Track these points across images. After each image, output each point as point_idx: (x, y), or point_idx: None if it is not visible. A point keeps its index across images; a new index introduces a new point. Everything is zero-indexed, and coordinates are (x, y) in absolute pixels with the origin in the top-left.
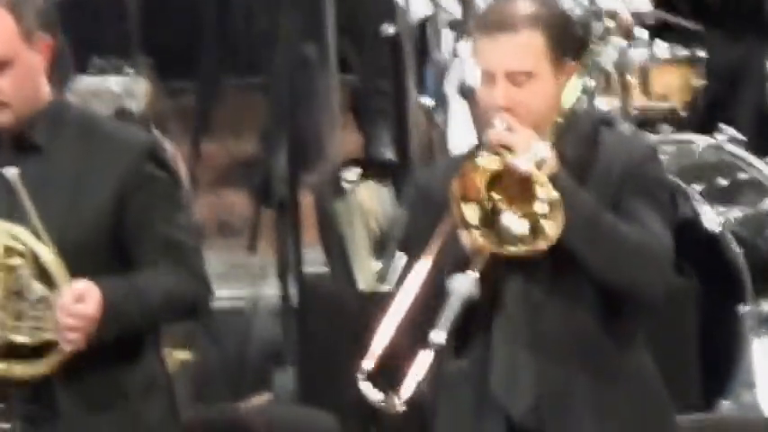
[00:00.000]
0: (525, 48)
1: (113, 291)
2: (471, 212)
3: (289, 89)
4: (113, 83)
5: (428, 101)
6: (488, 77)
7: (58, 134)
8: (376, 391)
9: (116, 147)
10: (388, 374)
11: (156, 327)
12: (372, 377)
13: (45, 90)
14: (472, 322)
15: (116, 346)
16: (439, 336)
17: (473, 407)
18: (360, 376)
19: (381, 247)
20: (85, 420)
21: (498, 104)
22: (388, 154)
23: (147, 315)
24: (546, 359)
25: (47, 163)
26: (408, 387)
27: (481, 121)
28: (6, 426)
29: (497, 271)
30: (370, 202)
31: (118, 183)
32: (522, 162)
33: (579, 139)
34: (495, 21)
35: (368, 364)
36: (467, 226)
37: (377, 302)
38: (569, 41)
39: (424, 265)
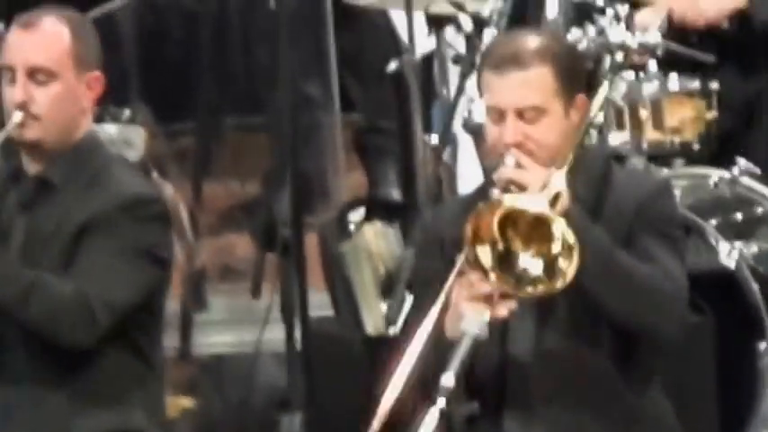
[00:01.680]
0: (535, 83)
1: None
2: (485, 254)
3: (291, 128)
4: (110, 130)
5: (435, 139)
6: (497, 114)
7: (74, 176)
8: None
9: (104, 195)
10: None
11: (18, 317)
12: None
13: (83, 127)
14: (483, 365)
15: (87, 390)
16: (448, 379)
17: None
18: None
19: (388, 290)
20: None
21: (508, 141)
22: (395, 194)
23: (3, 287)
24: (559, 404)
25: (58, 202)
26: None
27: (488, 159)
28: None
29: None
30: (377, 243)
31: (83, 222)
32: (536, 202)
33: (590, 177)
34: (503, 57)
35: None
36: (481, 269)
37: (384, 346)
38: (579, 76)
39: (433, 313)
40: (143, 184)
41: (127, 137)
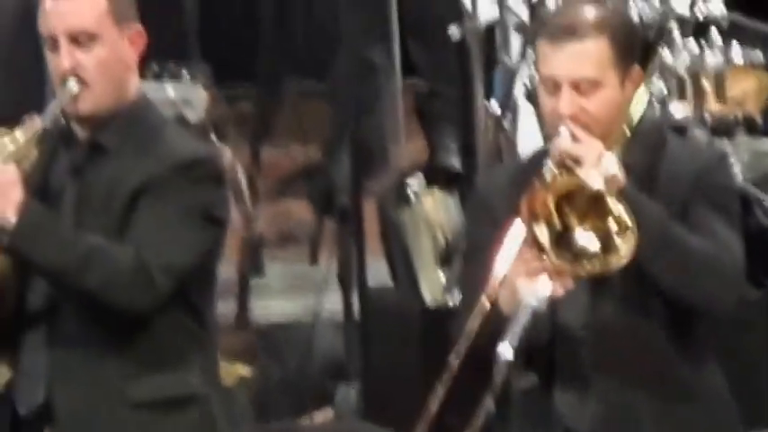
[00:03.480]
0: (591, 55)
1: (40, 210)
2: (542, 232)
3: (352, 94)
4: (170, 90)
5: (495, 106)
6: (552, 86)
7: (127, 138)
8: None
9: (157, 158)
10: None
11: (76, 285)
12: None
13: (132, 86)
14: (536, 337)
15: (143, 353)
16: (506, 350)
17: (538, 423)
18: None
19: (447, 259)
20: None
21: (563, 113)
22: (455, 161)
23: (62, 254)
24: (613, 377)
25: (111, 166)
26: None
27: (549, 127)
28: None
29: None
30: (436, 211)
31: (136, 185)
32: (593, 179)
33: (645, 148)
34: (559, 28)
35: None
36: (540, 248)
37: (442, 317)
38: (636, 48)
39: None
40: (196, 145)
41: (187, 97)
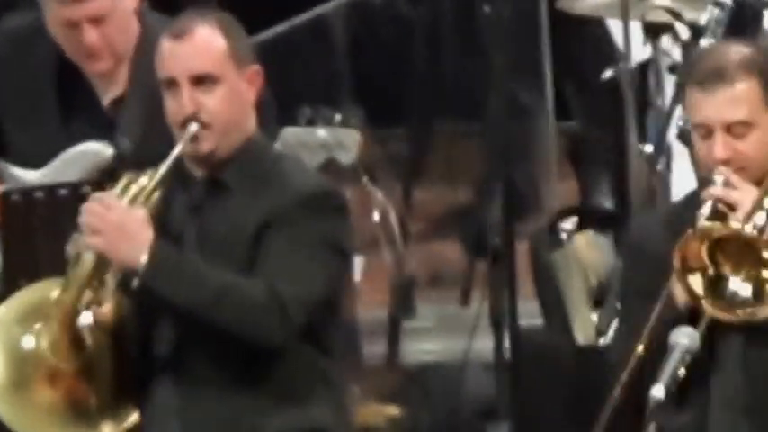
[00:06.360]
0: (742, 98)
1: (169, 248)
2: (696, 282)
3: (504, 135)
4: (322, 133)
5: (649, 148)
6: (705, 131)
7: (247, 175)
8: None
9: (280, 193)
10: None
11: (211, 322)
12: None
13: (251, 123)
14: (690, 378)
15: (274, 388)
16: (659, 391)
17: None
18: None
19: (600, 300)
20: None
21: (717, 158)
22: (607, 203)
23: (195, 292)
24: (764, 424)
25: (232, 203)
26: None
27: (703, 172)
28: None
29: (717, 328)
30: (589, 252)
31: (261, 220)
32: (747, 227)
33: None
34: (707, 72)
35: None
36: (695, 298)
37: (594, 357)
38: None
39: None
40: (318, 178)
41: (340, 140)
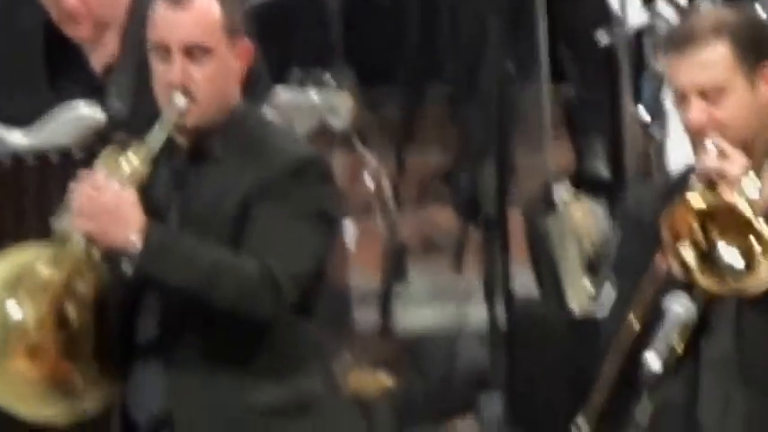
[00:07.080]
0: (712, 61)
1: (161, 230)
2: (687, 253)
3: (498, 100)
4: (314, 96)
5: (644, 114)
6: (681, 97)
7: (232, 144)
8: None
9: (265, 163)
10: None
11: (206, 301)
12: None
13: (235, 98)
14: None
15: (263, 361)
16: (653, 359)
17: None
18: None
19: (594, 268)
20: None
21: (692, 123)
22: (602, 169)
23: (188, 272)
24: (758, 391)
25: (216, 174)
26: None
27: (692, 141)
28: None
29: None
30: (584, 219)
31: (247, 192)
32: (738, 198)
33: None
34: (680, 36)
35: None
36: (686, 270)
37: (588, 327)
38: (762, 45)
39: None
40: (302, 146)
41: (332, 104)
